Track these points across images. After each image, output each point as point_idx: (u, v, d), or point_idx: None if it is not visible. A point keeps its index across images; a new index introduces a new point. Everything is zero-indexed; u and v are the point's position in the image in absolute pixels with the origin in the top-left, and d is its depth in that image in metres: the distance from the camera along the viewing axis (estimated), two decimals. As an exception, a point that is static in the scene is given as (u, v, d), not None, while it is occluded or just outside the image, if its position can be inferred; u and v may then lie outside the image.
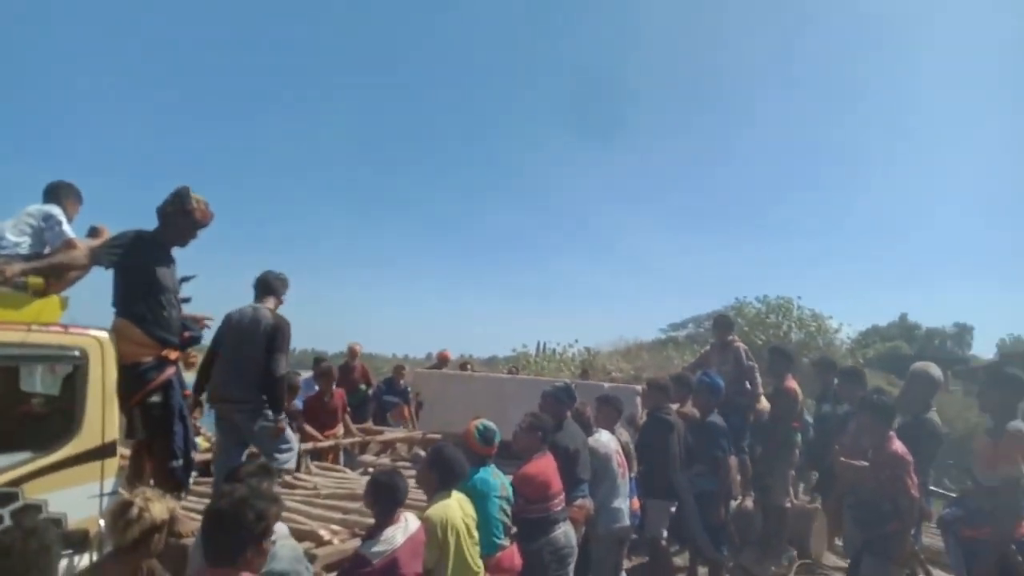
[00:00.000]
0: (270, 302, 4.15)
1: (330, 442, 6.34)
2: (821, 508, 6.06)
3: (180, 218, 3.55)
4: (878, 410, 3.99)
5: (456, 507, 3.35)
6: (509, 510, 3.80)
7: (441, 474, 3.40)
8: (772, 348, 6.66)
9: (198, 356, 3.73)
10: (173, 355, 3.48)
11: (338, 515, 3.92)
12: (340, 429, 6.70)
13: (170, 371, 3.44)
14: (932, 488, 6.09)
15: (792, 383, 6.03)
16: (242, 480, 2.70)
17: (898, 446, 3.91)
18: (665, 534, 5.22)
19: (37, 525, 2.22)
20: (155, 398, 3.38)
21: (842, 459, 4.28)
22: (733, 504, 6.05)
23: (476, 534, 3.43)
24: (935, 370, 4.82)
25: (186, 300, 3.75)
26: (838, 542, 6.14)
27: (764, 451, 6.13)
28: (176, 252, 3.67)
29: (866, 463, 4.06)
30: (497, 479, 3.80)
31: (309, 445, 5.91)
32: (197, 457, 4.83)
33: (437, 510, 3.27)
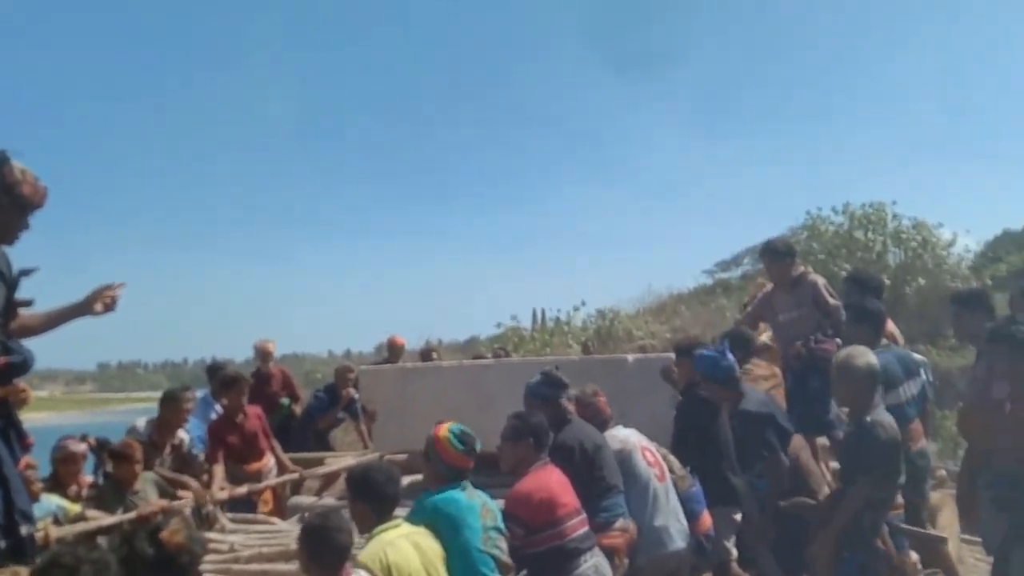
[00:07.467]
0: None
1: (244, 488, 6.18)
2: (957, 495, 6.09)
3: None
4: (1017, 345, 3.94)
5: (406, 545, 3.39)
6: (502, 541, 3.83)
7: (370, 501, 3.45)
8: (848, 276, 6.68)
9: (30, 389, 3.61)
10: None
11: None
12: (268, 460, 6.70)
13: None
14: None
15: (887, 326, 5.94)
16: None
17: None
18: (735, 553, 5.24)
19: None
20: None
21: (969, 419, 4.27)
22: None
23: None
24: None
25: (26, 303, 3.62)
26: (972, 538, 6.14)
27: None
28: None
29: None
30: (475, 499, 3.83)
31: (224, 493, 5.89)
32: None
33: (372, 552, 3.29)
